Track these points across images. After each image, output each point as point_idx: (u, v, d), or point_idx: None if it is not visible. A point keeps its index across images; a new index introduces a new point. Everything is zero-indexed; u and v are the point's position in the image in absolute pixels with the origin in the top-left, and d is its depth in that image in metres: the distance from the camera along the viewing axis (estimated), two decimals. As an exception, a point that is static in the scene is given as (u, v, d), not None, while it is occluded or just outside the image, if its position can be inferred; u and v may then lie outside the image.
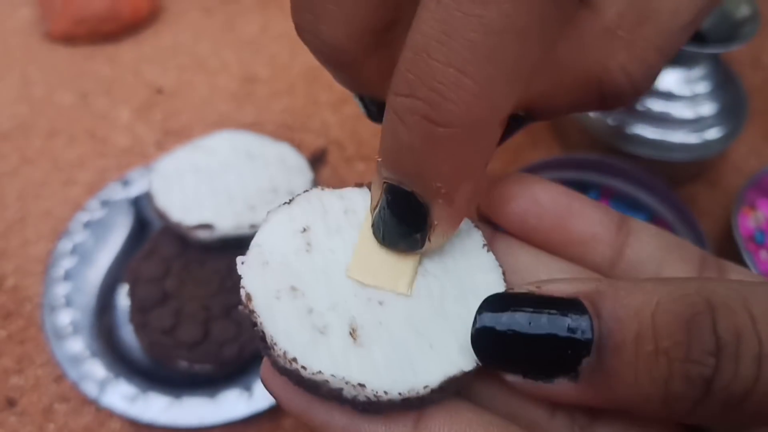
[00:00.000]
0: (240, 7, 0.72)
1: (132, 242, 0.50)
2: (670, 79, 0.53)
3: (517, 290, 0.21)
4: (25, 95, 0.61)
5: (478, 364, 0.22)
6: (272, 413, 0.43)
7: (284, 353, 0.21)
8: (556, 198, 0.26)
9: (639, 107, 0.54)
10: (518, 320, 0.20)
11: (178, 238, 0.46)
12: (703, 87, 0.54)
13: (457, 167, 0.19)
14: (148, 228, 0.51)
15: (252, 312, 0.22)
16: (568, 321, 0.19)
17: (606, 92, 0.23)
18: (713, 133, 0.54)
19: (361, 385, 0.21)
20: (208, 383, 0.43)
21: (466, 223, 0.25)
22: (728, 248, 0.50)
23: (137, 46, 0.67)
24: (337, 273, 0.24)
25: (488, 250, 0.25)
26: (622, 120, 0.54)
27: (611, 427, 0.25)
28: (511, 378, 0.21)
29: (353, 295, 0.23)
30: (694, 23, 0.23)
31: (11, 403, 0.44)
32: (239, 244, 0.46)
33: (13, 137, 0.58)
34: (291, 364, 0.21)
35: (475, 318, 0.21)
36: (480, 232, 0.25)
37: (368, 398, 0.21)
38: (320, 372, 0.21)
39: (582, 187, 0.53)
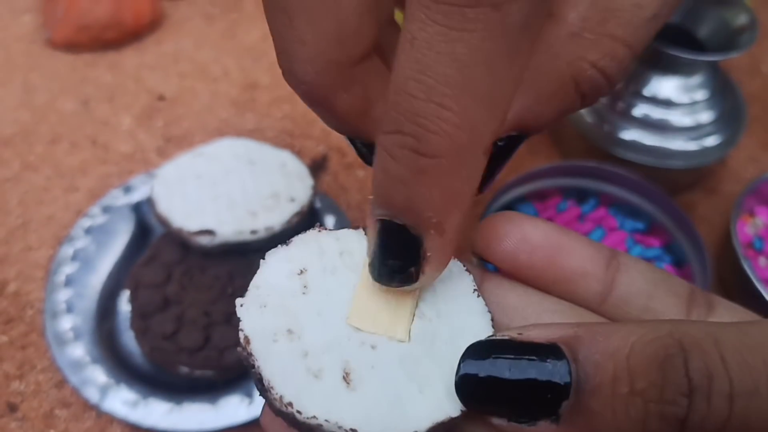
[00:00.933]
0: (241, 15, 0.72)
1: (133, 248, 0.50)
2: (668, 87, 0.54)
3: (498, 337, 0.22)
4: (27, 101, 0.62)
5: (464, 410, 0.22)
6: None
7: (280, 397, 0.22)
8: (547, 235, 0.26)
9: (637, 114, 0.54)
10: (499, 367, 0.21)
11: (180, 244, 0.47)
12: (701, 94, 0.54)
13: (446, 196, 0.20)
14: (150, 234, 0.51)
15: (250, 355, 0.22)
16: (547, 366, 0.20)
17: (584, 91, 0.25)
18: (712, 141, 0.54)
19: (353, 430, 0.21)
20: (208, 389, 0.43)
21: (457, 267, 0.26)
22: (727, 255, 0.50)
23: (139, 53, 0.67)
24: (332, 315, 0.24)
25: (478, 295, 0.25)
26: (621, 127, 0.54)
27: None
28: (496, 421, 0.21)
29: (347, 338, 0.24)
30: (660, 16, 0.24)
31: (12, 408, 0.44)
32: (240, 249, 0.46)
33: (15, 143, 0.58)
34: (287, 407, 0.22)
35: (459, 365, 0.21)
36: (471, 277, 0.26)
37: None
38: (314, 417, 0.21)
39: (581, 195, 0.53)
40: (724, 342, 0.19)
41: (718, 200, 0.58)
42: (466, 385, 0.21)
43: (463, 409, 0.22)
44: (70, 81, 0.64)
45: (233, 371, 0.43)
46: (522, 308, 0.26)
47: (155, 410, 0.42)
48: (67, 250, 0.49)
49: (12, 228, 0.53)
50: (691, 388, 0.18)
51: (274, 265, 0.25)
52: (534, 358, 0.20)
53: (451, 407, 0.22)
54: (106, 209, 0.51)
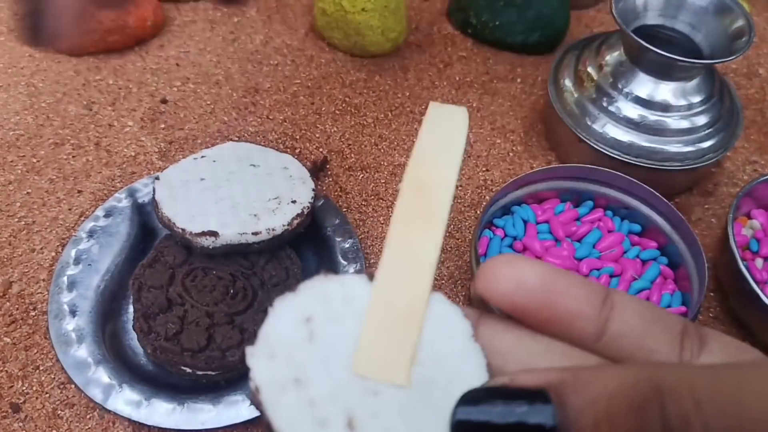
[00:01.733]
0: (244, 20, 0.73)
1: (136, 250, 0.50)
2: (665, 90, 0.54)
3: (491, 384, 0.23)
4: (31, 105, 0.62)
5: None
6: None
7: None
8: (542, 278, 0.27)
9: (634, 117, 0.54)
10: (491, 413, 0.22)
11: (183, 246, 0.47)
12: (698, 97, 0.54)
13: None
14: (153, 236, 0.52)
15: (260, 404, 0.23)
16: (535, 411, 0.21)
17: None
18: (708, 143, 0.55)
19: None
20: (211, 389, 0.44)
21: (456, 314, 0.27)
22: (724, 257, 0.51)
23: (142, 58, 0.68)
24: (336, 363, 0.25)
25: (475, 341, 0.26)
26: (618, 130, 0.55)
27: None
28: None
29: (351, 386, 0.25)
30: None
31: (15, 409, 0.44)
32: (242, 251, 0.46)
33: (19, 146, 0.59)
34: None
35: (454, 411, 0.23)
36: (469, 323, 0.27)
37: None
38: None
39: (577, 197, 0.54)
40: (699, 387, 0.20)
41: (715, 202, 0.59)
42: (460, 431, 0.23)
43: None
44: (74, 85, 0.64)
45: (236, 371, 0.44)
46: (514, 351, 0.27)
47: (158, 410, 0.42)
48: (71, 252, 0.49)
49: (16, 230, 0.53)
50: None
51: (281, 314, 0.26)
52: (523, 403, 0.22)
53: None
54: (110, 211, 0.51)
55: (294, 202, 0.48)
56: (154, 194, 0.49)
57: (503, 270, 0.27)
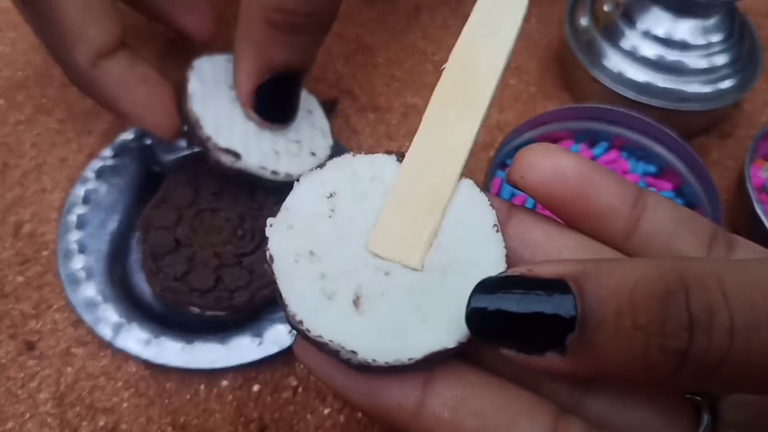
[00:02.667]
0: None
1: (144, 190, 0.50)
2: (684, 29, 0.53)
3: (509, 273, 0.23)
4: (39, 44, 0.61)
5: (460, 343, 0.24)
6: (285, 358, 0.44)
7: (293, 315, 0.24)
8: (580, 170, 0.27)
9: (651, 56, 0.53)
10: (508, 301, 0.21)
11: (191, 186, 0.47)
12: (717, 37, 0.53)
13: None
14: (160, 176, 0.51)
15: (272, 273, 0.24)
16: (554, 300, 0.21)
17: None
18: (727, 84, 0.53)
19: (354, 352, 0.23)
20: (219, 329, 0.44)
21: (481, 202, 0.27)
22: (739, 199, 0.50)
23: (150, -5, 0.67)
24: (353, 240, 0.25)
25: (497, 230, 0.26)
26: (634, 69, 0.54)
27: (608, 391, 0.26)
28: (505, 352, 0.22)
29: (363, 264, 0.25)
30: None
31: (30, 346, 0.45)
32: (253, 184, 0.45)
33: (28, 86, 0.58)
34: (298, 324, 0.23)
35: (469, 299, 0.22)
36: (494, 212, 0.26)
37: (359, 362, 0.23)
38: (320, 336, 0.23)
39: (592, 138, 0.53)
40: (727, 278, 0.19)
41: (732, 144, 0.57)
42: (476, 319, 0.22)
43: (461, 341, 0.24)
44: (81, 24, 0.64)
45: (244, 312, 0.44)
46: (544, 244, 0.27)
47: (167, 348, 0.43)
48: (79, 191, 0.49)
49: (26, 170, 0.53)
50: (691, 323, 0.19)
51: (305, 188, 0.26)
52: (542, 292, 0.21)
53: (448, 338, 0.24)
54: (118, 151, 0.51)
55: (313, 154, 0.46)
56: (186, 84, 0.44)
57: (541, 159, 0.27)
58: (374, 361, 0.23)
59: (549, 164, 0.26)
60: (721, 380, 0.20)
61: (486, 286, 0.22)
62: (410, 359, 0.23)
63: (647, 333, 0.19)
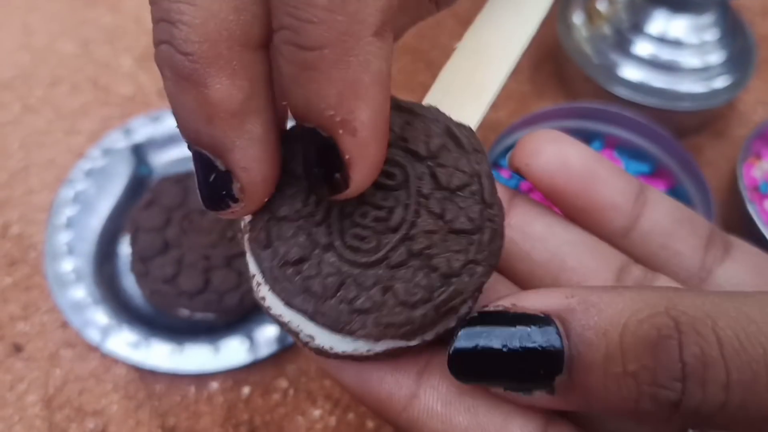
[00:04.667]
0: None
1: (133, 191, 0.50)
2: (678, 26, 0.52)
3: (492, 308, 0.22)
4: (26, 44, 0.61)
5: (424, 341, 0.23)
6: (275, 360, 0.44)
7: (258, 290, 0.23)
8: (586, 162, 0.26)
9: (645, 55, 0.53)
10: (492, 342, 0.21)
11: (180, 187, 0.46)
12: (711, 35, 0.53)
13: (342, 90, 0.19)
14: (149, 177, 0.51)
15: (243, 244, 0.23)
16: (540, 342, 0.20)
17: None
18: (720, 82, 0.53)
19: (311, 337, 0.22)
20: (209, 331, 0.44)
21: None
22: (732, 199, 0.50)
23: (139, -7, 0.66)
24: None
25: None
26: (628, 68, 0.53)
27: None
28: (494, 390, 0.22)
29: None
30: None
31: (18, 348, 0.45)
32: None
33: (15, 86, 0.58)
34: (261, 300, 0.23)
35: (452, 340, 0.21)
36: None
37: (317, 348, 0.22)
38: (281, 315, 0.23)
39: (586, 137, 0.53)
40: (721, 323, 0.18)
41: (726, 143, 0.57)
42: (458, 360, 0.21)
43: (426, 339, 0.23)
44: (69, 22, 0.63)
45: (233, 314, 0.44)
46: (545, 237, 0.26)
47: (157, 351, 0.42)
48: (68, 192, 0.48)
49: (14, 171, 0.53)
50: (684, 374, 0.18)
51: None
52: (527, 333, 0.20)
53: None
54: (107, 152, 0.51)
55: None
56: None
57: (547, 146, 0.26)
58: (331, 348, 0.22)
59: (554, 152, 0.26)
60: (716, 426, 0.19)
61: (468, 323, 0.21)
62: (369, 350, 0.22)
63: (638, 381, 0.19)
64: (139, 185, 0.50)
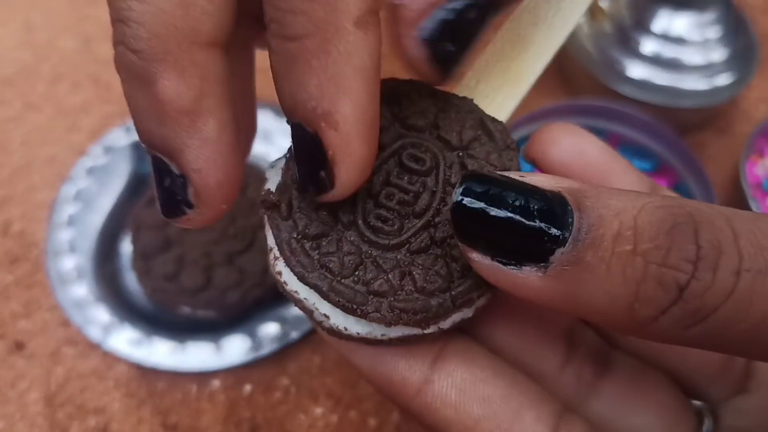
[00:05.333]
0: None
1: (134, 188, 0.50)
2: (681, 24, 0.52)
3: (503, 174, 0.21)
4: (28, 40, 0.61)
5: (439, 329, 0.22)
6: (277, 358, 0.44)
7: (274, 263, 0.22)
8: (602, 155, 0.26)
9: (648, 52, 0.53)
10: (499, 200, 0.19)
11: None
12: (713, 32, 0.53)
13: (323, 82, 0.19)
14: (150, 175, 0.51)
15: (264, 219, 0.23)
16: (547, 208, 0.19)
17: None
18: (723, 80, 0.53)
19: (326, 316, 0.22)
20: (211, 329, 0.44)
21: None
22: (735, 196, 0.50)
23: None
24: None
25: None
26: (631, 66, 0.53)
27: (617, 384, 0.25)
28: (478, 258, 0.20)
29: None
30: None
31: (19, 346, 0.45)
32: (245, 185, 0.45)
33: (16, 83, 0.58)
34: (277, 275, 0.22)
35: (459, 184, 0.20)
36: None
37: (331, 327, 0.22)
38: (297, 292, 0.22)
39: (588, 135, 0.52)
40: (738, 222, 0.18)
41: (728, 141, 0.57)
42: (460, 208, 0.20)
43: (443, 328, 0.22)
44: (70, 19, 0.63)
45: (235, 311, 0.43)
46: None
47: (159, 349, 0.42)
48: (69, 190, 0.48)
49: (16, 168, 0.53)
50: (698, 256, 0.17)
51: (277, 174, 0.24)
52: (536, 198, 0.19)
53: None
54: (108, 149, 0.50)
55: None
56: None
57: (564, 137, 0.26)
58: (345, 329, 0.22)
59: (571, 144, 0.26)
60: (702, 332, 0.18)
61: (477, 180, 0.20)
62: (383, 335, 0.22)
63: (647, 260, 0.18)
64: (140, 183, 0.50)
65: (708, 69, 0.53)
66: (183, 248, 0.44)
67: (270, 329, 0.43)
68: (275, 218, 0.22)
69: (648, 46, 0.53)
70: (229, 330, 0.43)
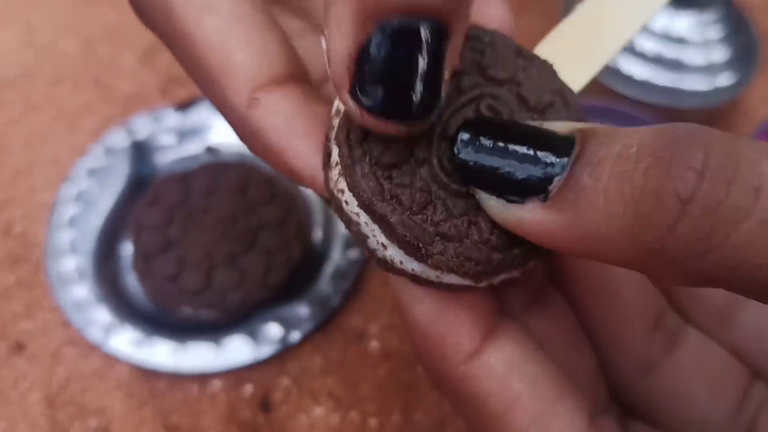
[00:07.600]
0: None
1: (135, 189, 0.50)
2: (681, 24, 0.52)
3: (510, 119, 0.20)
4: (29, 42, 0.61)
5: (490, 284, 0.22)
6: (278, 359, 0.44)
7: (336, 180, 0.21)
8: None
9: (649, 53, 0.53)
10: (505, 135, 0.19)
11: (182, 185, 0.46)
12: (714, 32, 0.53)
13: None
14: (151, 175, 0.51)
15: (333, 121, 0.22)
16: (551, 142, 0.18)
17: None
18: (724, 80, 0.53)
19: (384, 246, 0.21)
20: (212, 329, 0.44)
21: None
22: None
23: (142, -8, 0.66)
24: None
25: None
26: (632, 66, 0.53)
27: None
28: (483, 196, 0.20)
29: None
30: None
31: (20, 347, 0.45)
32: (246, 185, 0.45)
33: (18, 84, 0.58)
34: (338, 192, 0.21)
35: (458, 129, 0.20)
36: None
37: (384, 258, 0.21)
38: (357, 214, 0.21)
39: (589, 135, 0.52)
40: (763, 145, 0.16)
41: (730, 141, 0.57)
42: (465, 145, 0.20)
43: (494, 283, 0.22)
44: (72, 21, 0.63)
45: (236, 312, 0.44)
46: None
47: (159, 350, 0.42)
48: (70, 191, 0.49)
49: (17, 169, 0.53)
50: (705, 165, 0.15)
51: None
52: (544, 135, 0.19)
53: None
54: (109, 150, 0.51)
55: None
56: None
57: None
58: (401, 263, 0.21)
59: None
60: (728, 261, 0.15)
61: (479, 123, 0.20)
62: (437, 277, 0.21)
63: (647, 175, 0.16)
64: (141, 183, 0.50)
65: (709, 69, 0.53)
66: (184, 249, 0.44)
67: (271, 330, 0.43)
68: (348, 137, 0.21)
69: (649, 45, 0.53)
70: (230, 331, 0.43)
